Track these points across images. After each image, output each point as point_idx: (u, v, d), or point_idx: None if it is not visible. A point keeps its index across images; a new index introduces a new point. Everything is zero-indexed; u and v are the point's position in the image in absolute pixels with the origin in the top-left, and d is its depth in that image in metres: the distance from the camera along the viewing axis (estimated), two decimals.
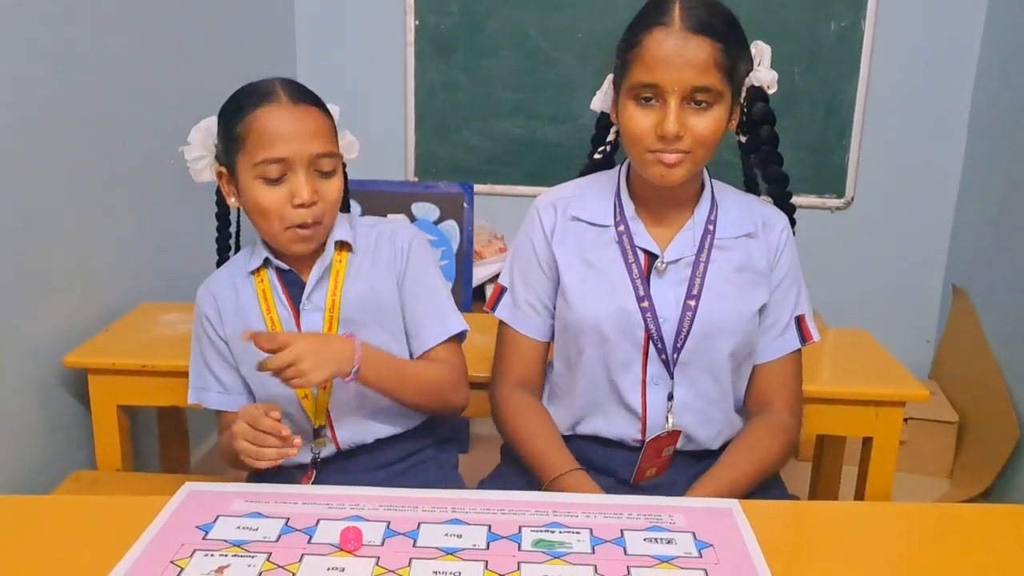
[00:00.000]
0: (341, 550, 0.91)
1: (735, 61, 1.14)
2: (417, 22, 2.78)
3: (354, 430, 1.26)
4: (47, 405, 1.62)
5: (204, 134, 1.22)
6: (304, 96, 1.18)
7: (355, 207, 1.32)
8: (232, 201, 1.23)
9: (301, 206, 1.14)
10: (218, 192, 1.28)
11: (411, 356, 1.29)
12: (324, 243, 1.24)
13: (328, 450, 1.26)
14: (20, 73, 1.52)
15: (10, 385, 1.53)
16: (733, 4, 1.18)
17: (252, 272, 1.24)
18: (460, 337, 1.31)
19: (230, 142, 1.17)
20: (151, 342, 1.68)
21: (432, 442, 1.33)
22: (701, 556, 0.94)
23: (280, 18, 2.75)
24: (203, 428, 2.27)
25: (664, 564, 0.92)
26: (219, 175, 1.23)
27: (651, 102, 1.13)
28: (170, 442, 1.87)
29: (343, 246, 1.25)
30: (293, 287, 1.24)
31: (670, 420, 1.24)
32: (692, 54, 1.10)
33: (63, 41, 1.63)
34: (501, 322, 1.32)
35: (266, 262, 1.24)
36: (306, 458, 1.25)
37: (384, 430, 1.27)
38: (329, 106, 1.23)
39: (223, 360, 1.27)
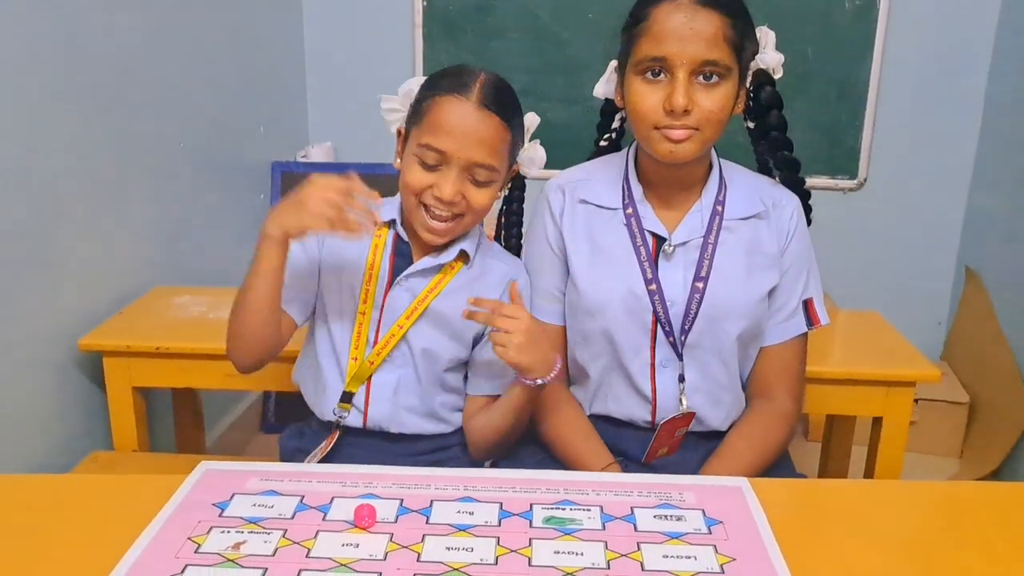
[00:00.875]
0: (355, 527, 0.93)
1: (743, 37, 1.13)
2: (425, 3, 2.76)
3: (386, 415, 1.26)
4: (64, 387, 1.64)
5: (406, 91, 1.25)
6: (493, 103, 1.16)
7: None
8: (397, 163, 1.24)
9: (439, 200, 1.17)
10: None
11: (471, 388, 1.31)
12: (451, 241, 1.24)
13: (354, 420, 1.26)
14: (34, 59, 1.53)
15: (27, 368, 1.54)
16: None
17: (379, 224, 1.24)
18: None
19: (415, 112, 1.21)
20: (165, 325, 1.70)
21: (460, 441, 1.32)
22: (711, 533, 0.95)
23: (288, 1, 2.75)
24: (218, 410, 2.29)
25: (674, 540, 0.93)
26: (398, 133, 1.25)
27: (659, 76, 1.12)
28: (185, 423, 1.89)
29: (462, 255, 1.26)
30: (400, 258, 1.26)
31: (684, 402, 1.24)
32: (701, 26, 1.10)
33: (76, 27, 1.64)
34: None
35: (392, 223, 1.26)
36: (331, 416, 1.27)
37: (413, 427, 1.27)
38: (528, 116, 1.25)
39: (297, 267, 1.24)
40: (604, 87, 1.27)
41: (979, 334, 2.60)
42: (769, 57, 1.20)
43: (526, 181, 1.34)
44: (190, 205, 2.12)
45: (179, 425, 1.90)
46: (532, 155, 1.28)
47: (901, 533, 0.98)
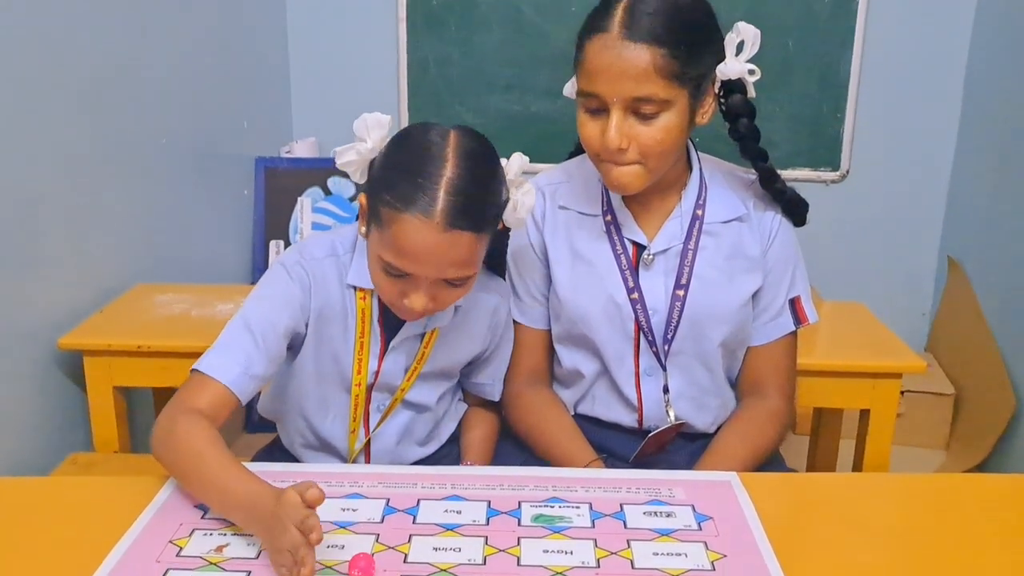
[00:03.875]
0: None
1: (687, 62, 1.06)
2: None
3: (388, 458, 1.22)
4: (43, 387, 1.61)
5: (362, 145, 1.07)
6: (462, 218, 0.99)
7: None
8: (362, 231, 1.09)
9: (412, 309, 1.05)
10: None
11: (459, 379, 1.30)
12: None
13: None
14: (10, 55, 1.50)
15: (5, 368, 1.52)
16: None
17: (352, 286, 1.13)
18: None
19: (377, 205, 1.03)
20: (146, 323, 1.67)
21: (450, 438, 1.31)
22: (700, 529, 0.94)
23: None
24: None
25: (664, 537, 0.92)
26: (361, 200, 1.09)
27: (597, 112, 1.10)
28: None
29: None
30: (389, 318, 1.14)
31: (671, 413, 1.23)
32: (628, 64, 1.04)
33: (54, 22, 1.61)
34: None
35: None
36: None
37: (416, 455, 1.25)
38: (514, 159, 1.09)
39: (275, 335, 1.08)
40: (570, 88, 1.24)
41: (963, 325, 2.62)
42: (731, 67, 1.12)
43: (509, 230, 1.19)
44: (172, 201, 2.09)
45: None
46: (519, 201, 1.09)
47: (891, 526, 0.98)
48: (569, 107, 1.17)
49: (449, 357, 1.21)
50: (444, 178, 0.99)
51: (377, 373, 1.16)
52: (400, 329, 1.15)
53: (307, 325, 1.13)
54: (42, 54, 1.58)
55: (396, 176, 1.02)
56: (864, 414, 1.64)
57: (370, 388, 1.17)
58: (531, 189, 1.11)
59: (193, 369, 1.05)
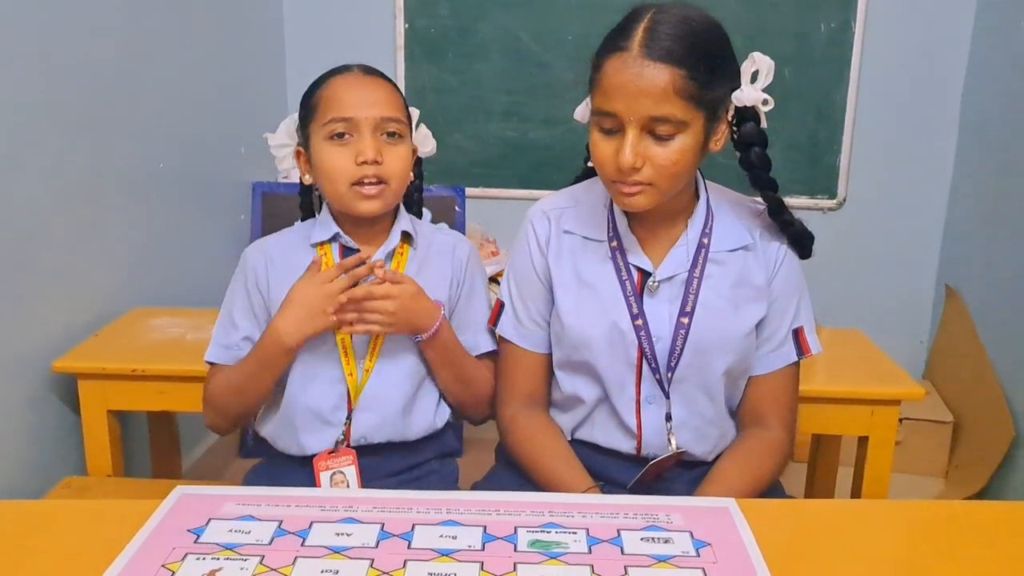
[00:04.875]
0: None
1: (704, 85, 1.07)
2: (407, 25, 2.78)
3: (368, 426, 1.25)
4: (37, 411, 1.61)
5: (289, 124, 1.29)
6: (377, 72, 1.25)
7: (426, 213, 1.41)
8: (307, 178, 1.28)
9: (365, 163, 1.18)
10: (302, 185, 1.35)
11: None
12: (390, 228, 1.28)
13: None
14: (10, 76, 1.51)
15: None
16: (721, 7, 1.14)
17: (316, 244, 1.27)
18: (493, 354, 1.34)
19: (305, 115, 1.24)
20: (142, 347, 1.67)
21: (435, 455, 1.32)
22: (699, 555, 0.93)
23: (269, 22, 2.75)
24: (194, 434, 2.26)
25: (662, 563, 0.91)
26: (297, 155, 1.28)
27: (612, 131, 1.10)
28: (161, 448, 1.86)
29: (406, 238, 1.29)
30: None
31: (673, 442, 1.22)
32: (648, 83, 1.05)
33: (53, 44, 1.62)
34: (502, 339, 1.29)
35: (335, 237, 1.26)
36: (327, 444, 1.26)
37: (395, 433, 1.26)
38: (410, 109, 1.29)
39: (253, 317, 1.28)
40: (582, 112, 1.25)
41: (961, 352, 2.62)
42: (746, 94, 1.13)
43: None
44: (170, 226, 2.10)
45: (155, 450, 1.87)
46: (426, 134, 1.34)
47: (890, 552, 0.98)
48: (565, 135, 1.18)
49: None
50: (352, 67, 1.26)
51: None
52: None
53: (265, 293, 1.27)
54: (40, 79, 1.59)
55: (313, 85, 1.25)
56: (863, 441, 1.63)
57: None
58: (426, 130, 1.31)
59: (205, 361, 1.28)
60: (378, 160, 1.19)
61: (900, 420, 2.42)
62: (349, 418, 1.25)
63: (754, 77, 1.14)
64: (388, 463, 1.27)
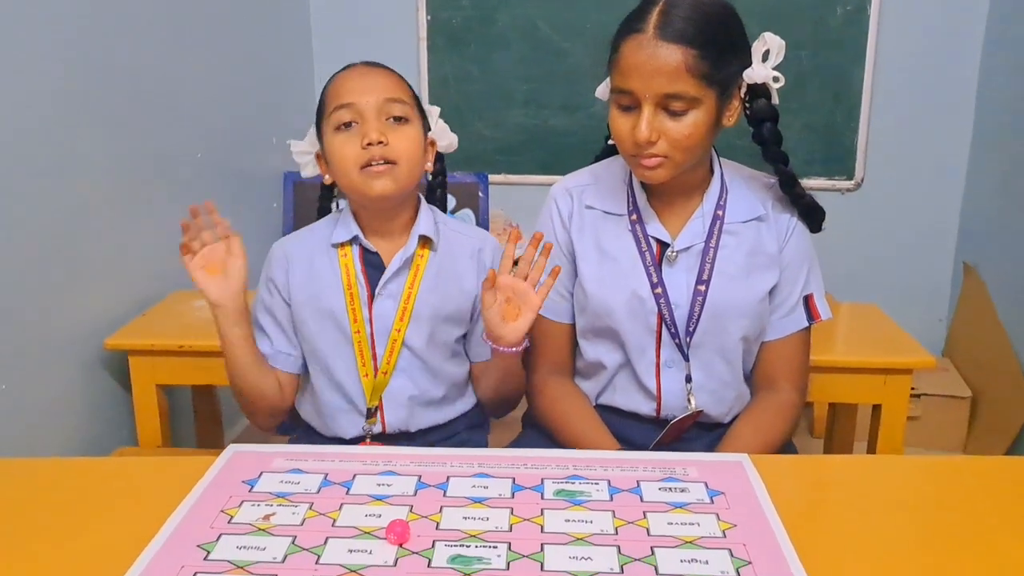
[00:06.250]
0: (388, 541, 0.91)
1: (716, 64, 1.14)
2: (429, 17, 2.84)
3: (401, 417, 1.30)
4: (90, 386, 1.70)
5: (311, 133, 1.30)
6: (379, 64, 1.26)
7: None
8: (327, 178, 1.29)
9: (370, 144, 1.19)
10: (323, 187, 1.38)
11: (472, 355, 1.36)
12: (410, 227, 1.28)
13: (376, 427, 1.31)
14: (60, 76, 1.60)
15: (56, 367, 1.61)
16: None
17: (336, 245, 1.28)
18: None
19: (317, 117, 1.26)
20: (186, 325, 1.76)
21: (465, 427, 1.38)
22: (712, 502, 1.00)
23: (296, 16, 2.83)
24: (235, 409, 2.33)
25: (678, 509, 0.98)
26: (317, 157, 1.30)
27: (630, 107, 1.17)
28: (205, 421, 1.95)
29: (426, 241, 1.28)
30: (372, 269, 1.28)
31: (692, 401, 1.29)
32: (662, 62, 1.12)
33: (100, 46, 1.72)
34: None
35: (354, 239, 1.28)
36: (356, 432, 1.30)
37: (428, 420, 1.32)
38: (426, 107, 1.30)
39: (273, 318, 1.31)
40: (603, 90, 1.31)
41: (979, 329, 2.64)
42: (757, 72, 1.20)
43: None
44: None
45: (199, 423, 1.96)
46: (444, 127, 1.35)
47: (901, 501, 1.02)
48: (585, 121, 1.24)
49: (440, 300, 1.28)
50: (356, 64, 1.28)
51: (371, 320, 1.26)
52: (379, 280, 1.27)
53: (285, 293, 1.29)
54: (88, 80, 1.69)
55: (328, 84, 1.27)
56: (876, 410, 1.68)
57: (372, 336, 1.27)
58: (444, 124, 1.33)
59: None
60: (383, 141, 1.19)
61: (919, 396, 2.47)
62: (375, 413, 1.29)
63: (765, 56, 1.20)
64: (424, 440, 1.31)
